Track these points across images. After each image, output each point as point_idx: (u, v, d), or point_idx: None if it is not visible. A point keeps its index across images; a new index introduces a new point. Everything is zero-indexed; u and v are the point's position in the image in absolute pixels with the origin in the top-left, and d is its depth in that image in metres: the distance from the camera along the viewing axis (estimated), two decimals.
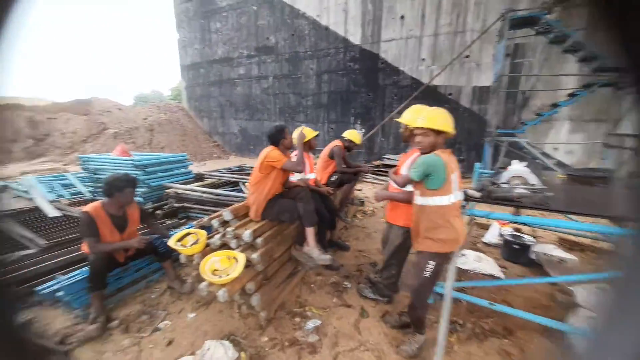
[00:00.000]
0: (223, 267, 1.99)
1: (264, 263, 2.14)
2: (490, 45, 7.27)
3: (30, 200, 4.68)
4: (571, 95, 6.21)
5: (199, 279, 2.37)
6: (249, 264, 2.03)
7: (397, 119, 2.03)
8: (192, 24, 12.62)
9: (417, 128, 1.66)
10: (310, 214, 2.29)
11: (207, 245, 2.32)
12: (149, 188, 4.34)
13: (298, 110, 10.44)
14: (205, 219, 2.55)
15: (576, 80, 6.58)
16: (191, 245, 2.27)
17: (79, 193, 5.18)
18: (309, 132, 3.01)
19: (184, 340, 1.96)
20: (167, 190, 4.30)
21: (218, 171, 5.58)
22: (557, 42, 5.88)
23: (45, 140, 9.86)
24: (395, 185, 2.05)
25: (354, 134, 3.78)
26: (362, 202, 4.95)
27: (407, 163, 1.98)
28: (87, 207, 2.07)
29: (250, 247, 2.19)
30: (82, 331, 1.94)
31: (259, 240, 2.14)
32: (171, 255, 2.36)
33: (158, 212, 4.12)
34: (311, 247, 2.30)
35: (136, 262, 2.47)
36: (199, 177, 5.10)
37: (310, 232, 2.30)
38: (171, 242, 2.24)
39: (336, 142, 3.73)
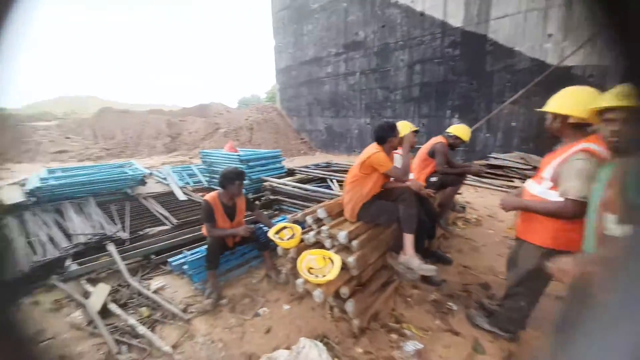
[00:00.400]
0: (319, 266, 1.95)
1: (359, 268, 2.00)
2: None
3: (167, 186, 5.88)
4: None
5: (295, 273, 2.44)
6: (343, 267, 1.92)
7: (540, 109, 1.54)
8: (287, 30, 13.62)
9: (612, 110, 1.10)
10: (411, 219, 2.02)
11: (302, 240, 2.34)
12: (250, 180, 4.83)
13: (385, 105, 9.98)
14: (299, 214, 2.59)
15: None
16: (288, 239, 2.32)
17: (199, 182, 6.23)
18: (407, 128, 2.70)
19: (280, 330, 2.01)
20: (264, 183, 4.69)
21: (307, 167, 5.80)
22: None
23: (178, 138, 12.40)
24: (535, 192, 1.58)
25: (461, 130, 3.27)
26: (463, 208, 4.29)
27: (555, 165, 1.47)
28: (207, 197, 2.36)
29: (344, 248, 2.09)
30: (199, 304, 2.22)
31: (355, 243, 2.01)
32: (269, 245, 2.48)
33: (257, 202, 4.54)
34: (410, 256, 2.04)
35: (241, 248, 2.71)
36: (290, 172, 5.40)
37: (409, 239, 2.03)
38: (270, 234, 2.35)
39: (439, 139, 3.29)
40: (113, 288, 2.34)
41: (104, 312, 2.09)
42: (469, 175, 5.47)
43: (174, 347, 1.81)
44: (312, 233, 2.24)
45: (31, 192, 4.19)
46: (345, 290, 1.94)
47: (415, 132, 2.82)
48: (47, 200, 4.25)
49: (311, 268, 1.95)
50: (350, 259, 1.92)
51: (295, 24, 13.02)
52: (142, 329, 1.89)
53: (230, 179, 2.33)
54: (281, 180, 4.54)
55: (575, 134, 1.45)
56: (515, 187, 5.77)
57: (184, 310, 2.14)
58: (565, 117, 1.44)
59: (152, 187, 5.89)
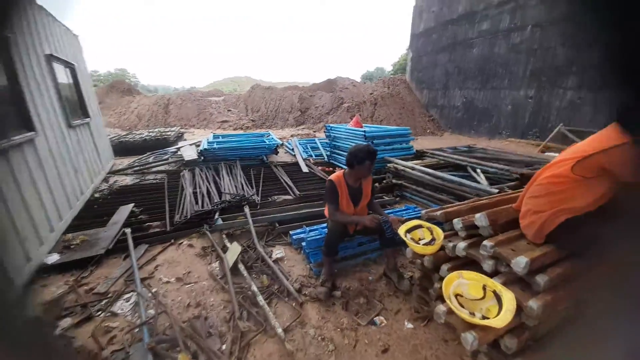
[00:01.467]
0: (473, 296, 1.35)
1: (542, 319, 1.27)
2: None
3: (293, 157, 6.30)
4: None
5: (423, 285, 1.92)
6: (517, 311, 1.25)
7: None
8: None
9: None
10: None
11: (442, 248, 1.77)
12: None
13: (567, 71, 7.11)
14: (439, 211, 1.98)
15: None
16: (424, 243, 1.80)
17: (320, 155, 6.38)
18: None
19: (400, 355, 1.59)
20: (388, 165, 4.18)
21: (442, 150, 4.83)
22: None
23: (306, 112, 13.37)
24: None
25: None
26: None
27: None
28: (333, 176, 2.10)
29: (517, 280, 1.38)
30: (313, 289, 2.08)
31: (542, 280, 1.27)
32: (396, 242, 2.03)
33: (376, 185, 4.12)
34: None
35: (360, 237, 2.40)
36: (419, 154, 4.63)
37: None
38: (401, 231, 1.89)
39: None
40: (243, 248, 2.54)
41: (234, 270, 2.26)
42: None
43: (286, 330, 1.71)
44: (462, 244, 1.62)
45: (201, 152, 5.32)
46: (511, 344, 1.28)
47: None
48: (211, 159, 5.30)
49: (460, 295, 1.38)
50: (534, 305, 1.22)
51: None
52: (261, 300, 1.90)
53: (361, 158, 1.96)
54: (409, 164, 3.90)
55: None
56: None
57: (299, 291, 2.05)
58: None
59: (282, 156, 6.48)
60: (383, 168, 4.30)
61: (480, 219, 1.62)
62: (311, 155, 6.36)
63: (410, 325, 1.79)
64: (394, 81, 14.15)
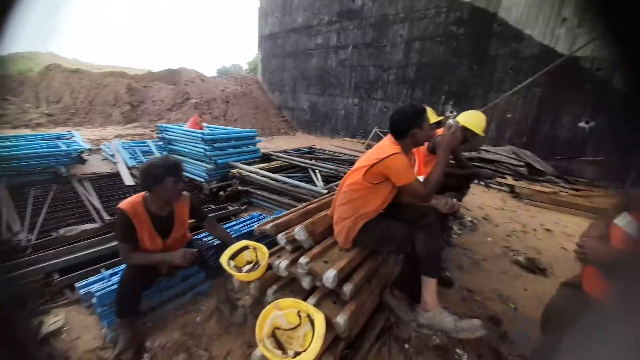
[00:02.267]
0: (290, 324, 1.25)
1: (352, 329, 1.34)
2: None
3: (115, 165, 4.85)
4: None
5: (256, 313, 1.74)
6: (329, 328, 1.24)
7: None
8: None
9: None
10: (436, 257, 1.36)
11: (269, 268, 1.63)
12: (215, 165, 3.96)
13: (376, 86, 9.15)
14: (269, 225, 1.85)
15: None
16: (247, 270, 1.60)
17: None
18: (430, 114, 1.96)
19: None
20: (232, 170, 3.85)
21: (287, 152, 4.98)
22: None
23: (140, 107, 10.90)
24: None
25: (475, 118, 2.43)
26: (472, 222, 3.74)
27: None
28: (125, 203, 1.53)
29: (331, 292, 1.40)
30: None
31: (347, 290, 1.32)
32: (224, 273, 1.74)
33: (221, 193, 3.72)
34: (435, 311, 1.40)
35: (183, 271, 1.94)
36: (265, 157, 4.57)
37: (431, 286, 1.39)
38: (223, 260, 1.61)
39: (441, 130, 2.56)
40: None
41: None
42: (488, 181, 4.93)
43: None
44: (284, 263, 1.52)
45: None
46: None
47: (437, 123, 2.09)
48: None
49: (278, 329, 1.25)
50: (340, 320, 1.23)
51: None
52: None
53: (158, 176, 1.47)
54: (251, 168, 3.72)
55: None
56: (508, 185, 5.34)
57: None
58: None
59: (95, 165, 4.85)
60: (228, 174, 3.93)
61: (299, 233, 1.57)
62: (142, 162, 5.09)
63: None
64: (247, 80, 13.88)
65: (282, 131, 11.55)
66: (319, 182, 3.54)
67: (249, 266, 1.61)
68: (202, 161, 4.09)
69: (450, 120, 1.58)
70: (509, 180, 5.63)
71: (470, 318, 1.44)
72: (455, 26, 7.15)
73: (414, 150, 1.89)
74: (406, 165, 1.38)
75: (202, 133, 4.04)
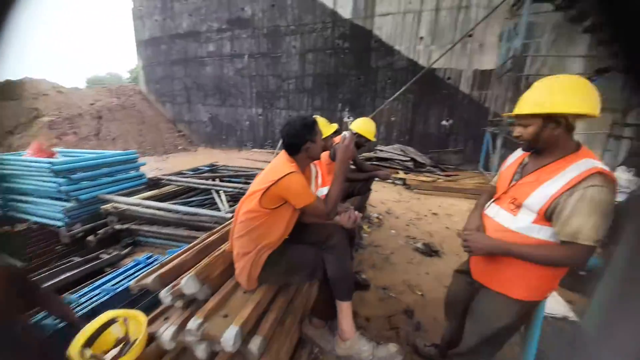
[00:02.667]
0: None
1: None
2: (497, 22, 6.49)
3: None
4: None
5: None
6: None
7: (524, 112, 1.03)
8: None
9: None
10: (347, 279, 1.28)
11: (151, 340, 1.24)
12: (77, 202, 3.03)
13: (278, 95, 9.15)
14: (150, 277, 1.43)
15: (582, 66, 6.03)
16: (114, 355, 1.17)
17: None
18: (325, 126, 1.92)
19: None
20: (103, 206, 3.02)
21: (182, 174, 4.30)
22: (578, 19, 5.20)
23: None
24: (512, 226, 1.08)
25: (366, 125, 2.60)
26: (377, 218, 4.01)
27: (553, 193, 0.98)
28: None
29: (237, 354, 1.14)
30: None
31: (255, 347, 1.09)
32: None
33: (90, 238, 2.86)
34: (352, 339, 1.30)
35: None
36: (153, 184, 3.81)
37: (346, 310, 1.30)
38: (73, 349, 1.12)
39: (339, 137, 2.65)
40: None
41: None
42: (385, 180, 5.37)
43: None
44: (169, 331, 1.16)
45: None
46: None
47: (335, 133, 2.07)
48: None
49: None
50: None
51: None
52: None
53: None
54: (132, 200, 3.01)
55: (569, 144, 1.01)
56: (401, 178, 6.10)
57: None
58: (567, 119, 0.96)
59: None
60: (98, 211, 3.07)
61: (188, 284, 1.24)
62: None
63: None
64: (126, 91, 11.71)
65: (179, 147, 10.22)
66: (224, 205, 3.15)
67: (115, 351, 1.17)
68: (56, 199, 3.08)
69: (345, 133, 1.55)
70: (401, 174, 6.45)
71: (387, 343, 1.42)
72: (341, 40, 7.83)
73: (317, 163, 1.83)
74: (304, 185, 1.26)
75: (50, 162, 3.03)
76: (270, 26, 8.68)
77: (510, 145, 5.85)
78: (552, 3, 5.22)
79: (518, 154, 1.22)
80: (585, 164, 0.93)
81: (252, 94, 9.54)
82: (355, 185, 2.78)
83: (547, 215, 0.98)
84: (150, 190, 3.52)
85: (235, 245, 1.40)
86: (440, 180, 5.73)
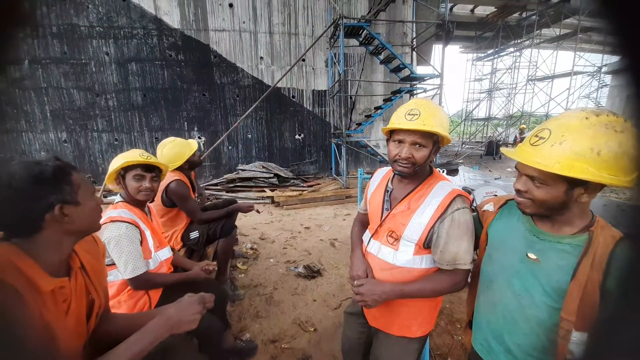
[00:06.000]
0: None
1: None
2: (322, 50, 7.58)
3: None
4: (387, 100, 7.44)
5: None
6: None
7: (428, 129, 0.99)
8: None
9: None
10: None
11: None
12: None
13: (92, 113, 6.88)
14: None
15: (384, 88, 8.09)
16: None
17: None
18: (184, 148, 1.32)
19: None
20: None
21: None
22: (376, 53, 6.83)
23: None
24: (397, 261, 1.02)
25: (174, 157, 2.10)
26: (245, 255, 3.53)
27: (428, 221, 0.96)
28: None
29: None
30: None
31: None
32: None
33: None
34: None
35: None
36: None
37: None
38: None
39: (172, 176, 2.03)
40: None
41: None
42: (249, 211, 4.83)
43: None
44: None
45: None
46: None
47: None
48: None
49: None
50: None
51: None
52: None
53: None
54: None
55: (426, 168, 1.03)
56: (269, 196, 5.97)
57: None
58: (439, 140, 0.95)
59: None
60: None
61: None
62: None
63: None
64: None
65: None
66: None
67: None
68: None
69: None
70: (268, 192, 6.31)
71: None
72: (173, 52, 6.83)
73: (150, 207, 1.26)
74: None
75: None
76: (64, 24, 6.40)
77: (351, 152, 6.96)
78: (357, 39, 6.61)
79: (379, 176, 1.18)
80: (443, 187, 0.96)
81: (45, 113, 6.73)
82: (215, 226, 2.29)
83: (426, 245, 0.96)
84: None
85: None
86: (305, 192, 5.99)
